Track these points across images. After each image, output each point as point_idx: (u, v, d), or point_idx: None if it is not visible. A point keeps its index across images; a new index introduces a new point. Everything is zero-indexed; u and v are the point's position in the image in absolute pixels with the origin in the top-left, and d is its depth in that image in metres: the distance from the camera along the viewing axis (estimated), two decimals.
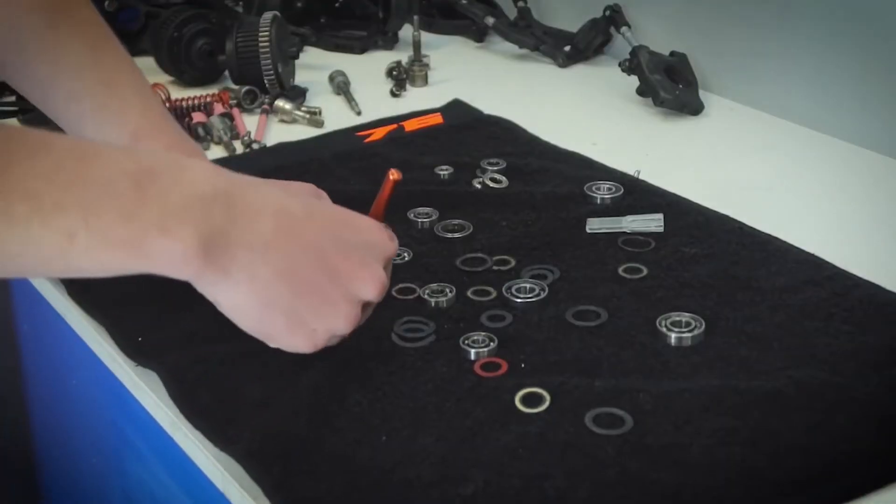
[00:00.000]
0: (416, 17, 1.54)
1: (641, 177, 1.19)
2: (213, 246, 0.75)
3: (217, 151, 1.33)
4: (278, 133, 1.38)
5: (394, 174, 0.89)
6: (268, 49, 1.43)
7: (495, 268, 1.04)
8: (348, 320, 0.82)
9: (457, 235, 1.10)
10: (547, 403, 0.85)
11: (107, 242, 0.72)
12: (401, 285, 1.01)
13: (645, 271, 1.02)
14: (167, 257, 0.74)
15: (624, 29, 1.50)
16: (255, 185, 0.80)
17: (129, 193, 0.72)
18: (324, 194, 0.98)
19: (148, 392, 0.91)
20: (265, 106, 1.42)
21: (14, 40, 1.01)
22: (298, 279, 0.79)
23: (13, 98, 1.38)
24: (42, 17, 1.01)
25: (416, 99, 1.47)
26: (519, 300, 0.98)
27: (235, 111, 1.41)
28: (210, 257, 0.76)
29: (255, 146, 1.33)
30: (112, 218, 0.72)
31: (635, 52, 1.41)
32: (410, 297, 0.99)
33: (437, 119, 1.38)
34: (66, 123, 1.04)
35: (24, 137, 0.72)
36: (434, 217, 1.13)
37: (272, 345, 0.84)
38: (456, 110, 1.40)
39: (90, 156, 0.73)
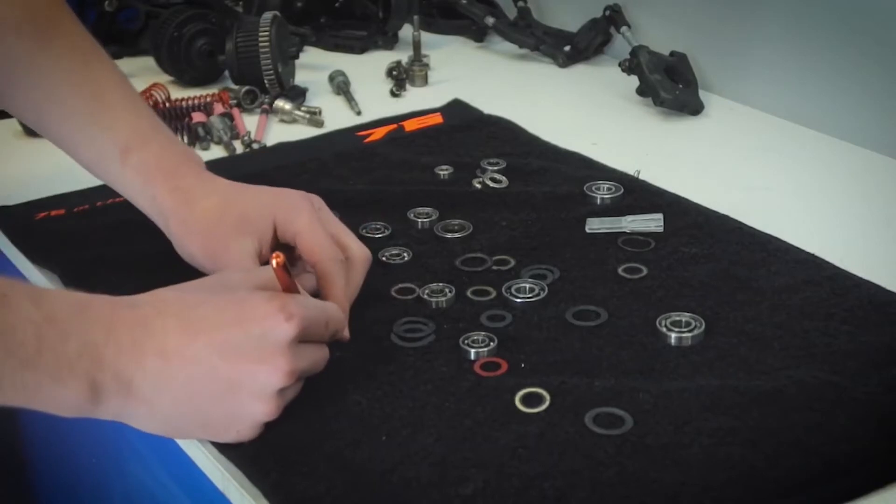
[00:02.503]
0: (416, 17, 1.54)
1: (641, 177, 1.19)
2: (104, 391, 0.77)
3: (217, 151, 1.33)
4: (278, 133, 1.38)
5: (276, 258, 0.83)
6: (268, 49, 1.43)
7: (495, 268, 1.04)
8: (267, 410, 0.80)
9: (457, 235, 1.10)
10: (547, 403, 0.85)
11: (2, 386, 0.75)
12: (400, 285, 1.01)
13: (645, 271, 1.02)
14: (59, 404, 0.77)
15: (624, 29, 1.50)
16: (144, 322, 0.79)
17: (29, 342, 0.75)
18: (316, 198, 0.98)
19: None
20: (265, 106, 1.42)
21: (4, 64, 1.02)
22: (197, 399, 0.79)
23: None
24: (31, 39, 1.02)
25: (416, 99, 1.47)
26: (518, 300, 0.98)
27: (235, 111, 1.41)
28: (100, 400, 0.78)
29: (255, 146, 1.33)
30: (11, 365, 0.74)
31: (635, 52, 1.41)
32: (410, 297, 0.99)
33: (437, 119, 1.38)
34: (61, 142, 1.05)
35: None
36: (434, 217, 1.13)
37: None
38: (456, 110, 1.40)
39: None
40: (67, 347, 0.76)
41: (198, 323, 0.80)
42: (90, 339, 0.77)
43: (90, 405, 0.78)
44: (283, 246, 0.97)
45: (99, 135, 1.01)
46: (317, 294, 0.93)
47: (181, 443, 0.88)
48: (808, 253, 1.04)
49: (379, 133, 1.34)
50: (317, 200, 0.98)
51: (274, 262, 0.82)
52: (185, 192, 0.98)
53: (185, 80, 1.50)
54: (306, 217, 0.94)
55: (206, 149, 1.33)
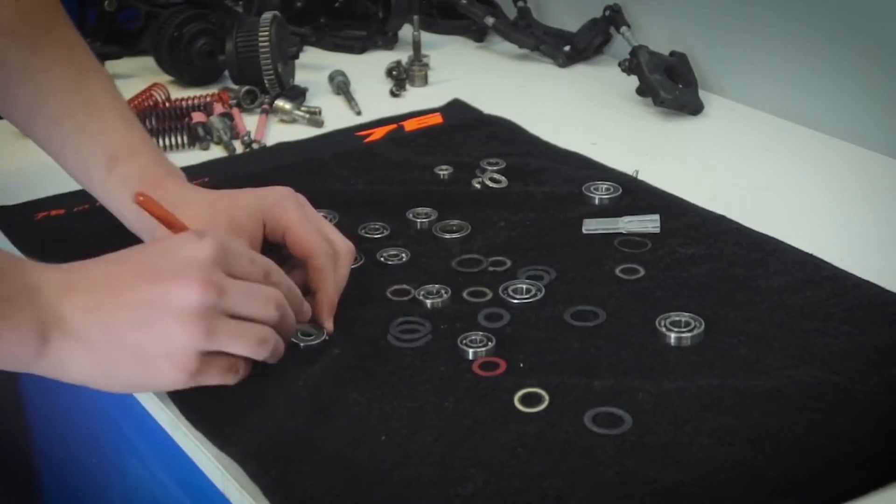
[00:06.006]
0: (416, 17, 1.54)
1: (640, 176, 1.19)
2: (44, 328, 0.80)
3: (217, 151, 1.33)
4: (278, 133, 1.38)
5: (139, 195, 0.88)
6: (268, 49, 1.43)
7: (491, 269, 1.03)
8: (191, 333, 0.81)
9: (455, 236, 1.09)
10: (546, 403, 0.85)
11: None
12: (395, 287, 1.01)
13: (642, 272, 1.02)
14: (7, 344, 0.80)
15: (624, 29, 1.50)
16: (72, 269, 0.83)
17: None
18: (303, 199, 0.98)
19: (148, 392, 0.91)
20: (265, 106, 1.42)
21: None
22: (123, 326, 0.81)
23: None
24: (24, 43, 1.02)
25: (416, 99, 1.47)
26: (515, 301, 0.98)
27: (235, 111, 1.41)
28: (45, 340, 0.80)
29: (254, 146, 1.33)
30: None
31: (635, 52, 1.41)
32: (405, 298, 0.99)
33: (436, 119, 1.38)
34: (48, 147, 1.05)
35: None
36: (433, 217, 1.13)
37: (157, 390, 0.86)
38: (456, 110, 1.40)
39: None
40: (8, 289, 0.79)
41: (121, 259, 0.84)
42: (26, 281, 0.81)
43: (38, 345, 0.80)
44: (271, 245, 0.97)
45: (86, 142, 1.02)
46: (306, 287, 0.94)
47: (181, 443, 0.88)
48: (807, 253, 1.04)
49: (379, 133, 1.34)
50: (300, 198, 0.98)
51: (139, 198, 0.87)
52: (169, 203, 0.98)
53: (185, 80, 1.50)
54: (295, 213, 0.95)
55: (206, 149, 1.33)
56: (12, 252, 1.12)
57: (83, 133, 1.02)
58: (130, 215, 1.01)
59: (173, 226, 0.90)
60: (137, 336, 0.81)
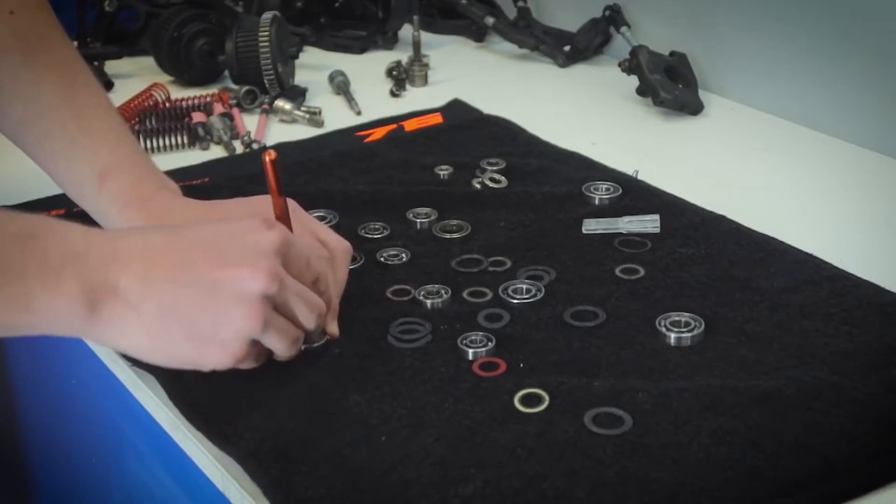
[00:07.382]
0: (416, 17, 1.54)
1: (640, 176, 1.19)
2: (93, 296, 0.78)
3: (217, 151, 1.33)
4: (278, 133, 1.38)
5: (269, 155, 0.85)
6: (268, 49, 1.43)
7: (491, 269, 1.03)
8: (251, 320, 0.80)
9: (455, 236, 1.10)
10: (546, 403, 0.85)
11: None
12: (395, 287, 1.01)
13: (642, 272, 1.02)
14: (53, 312, 0.78)
15: (624, 29, 1.50)
16: (123, 235, 0.83)
17: (14, 256, 0.77)
18: (290, 201, 0.97)
19: (148, 392, 0.91)
20: (265, 106, 1.42)
21: None
22: (182, 304, 0.80)
23: None
24: (17, 56, 1.02)
25: (416, 99, 1.47)
26: (515, 301, 0.98)
27: (235, 111, 1.41)
28: (94, 307, 0.79)
29: (254, 146, 1.33)
30: (0, 277, 0.76)
31: (635, 52, 1.41)
32: (405, 298, 0.99)
33: (436, 119, 1.38)
34: (40, 161, 1.05)
35: None
36: (433, 217, 1.13)
37: (198, 368, 0.83)
38: (456, 110, 1.40)
39: None
40: (50, 258, 0.78)
41: (183, 233, 0.82)
42: (70, 250, 0.79)
43: (86, 312, 0.78)
44: None
45: (77, 156, 1.01)
46: None
47: (181, 443, 0.88)
48: (807, 253, 1.04)
49: (379, 133, 1.34)
50: (291, 203, 0.98)
51: (267, 158, 0.84)
52: (160, 218, 0.98)
53: (185, 80, 1.50)
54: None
55: (206, 149, 1.34)
56: None
57: (74, 147, 1.01)
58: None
59: (274, 196, 0.88)
60: (194, 315, 0.80)
